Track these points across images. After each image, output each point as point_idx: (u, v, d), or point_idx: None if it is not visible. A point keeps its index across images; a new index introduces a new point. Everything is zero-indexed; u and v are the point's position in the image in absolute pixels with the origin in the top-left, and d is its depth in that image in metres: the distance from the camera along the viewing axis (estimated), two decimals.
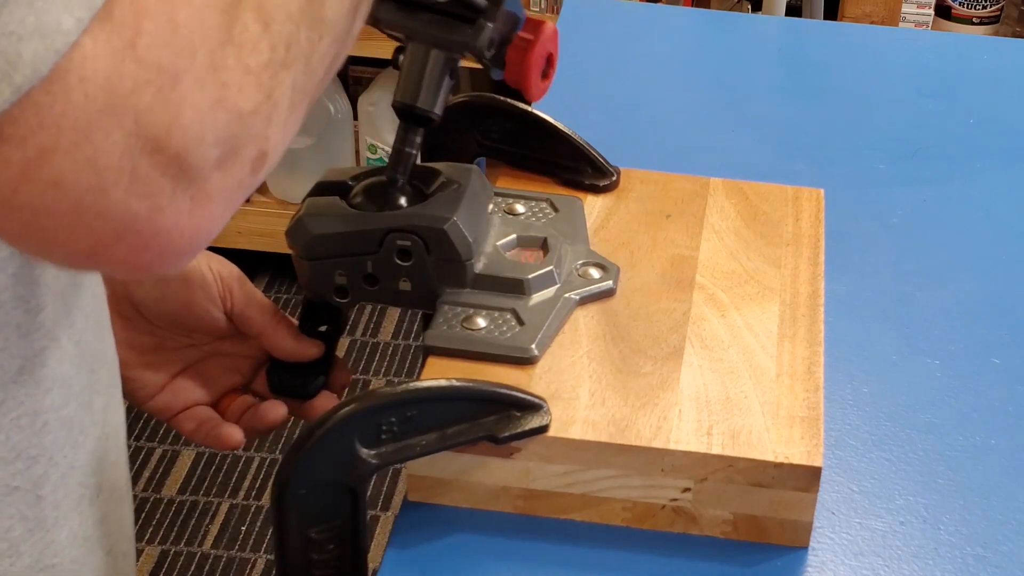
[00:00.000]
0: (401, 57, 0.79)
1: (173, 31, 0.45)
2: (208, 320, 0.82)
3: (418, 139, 0.81)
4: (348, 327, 1.99)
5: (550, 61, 0.83)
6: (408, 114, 0.79)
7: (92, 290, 0.67)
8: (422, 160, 0.83)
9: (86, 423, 0.65)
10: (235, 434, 0.83)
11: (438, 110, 0.79)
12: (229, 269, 0.82)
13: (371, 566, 0.76)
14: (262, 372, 0.86)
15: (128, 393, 0.82)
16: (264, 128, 0.50)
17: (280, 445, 2.20)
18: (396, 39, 0.79)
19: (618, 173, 0.96)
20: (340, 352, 0.87)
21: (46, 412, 0.61)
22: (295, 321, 0.84)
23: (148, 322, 0.82)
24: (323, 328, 0.84)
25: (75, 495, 0.64)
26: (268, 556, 2.01)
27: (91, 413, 0.66)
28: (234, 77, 0.47)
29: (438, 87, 0.79)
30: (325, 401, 0.84)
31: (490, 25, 0.77)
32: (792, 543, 0.76)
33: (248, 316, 0.82)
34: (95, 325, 0.66)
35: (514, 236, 0.86)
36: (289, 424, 1.67)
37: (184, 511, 2.08)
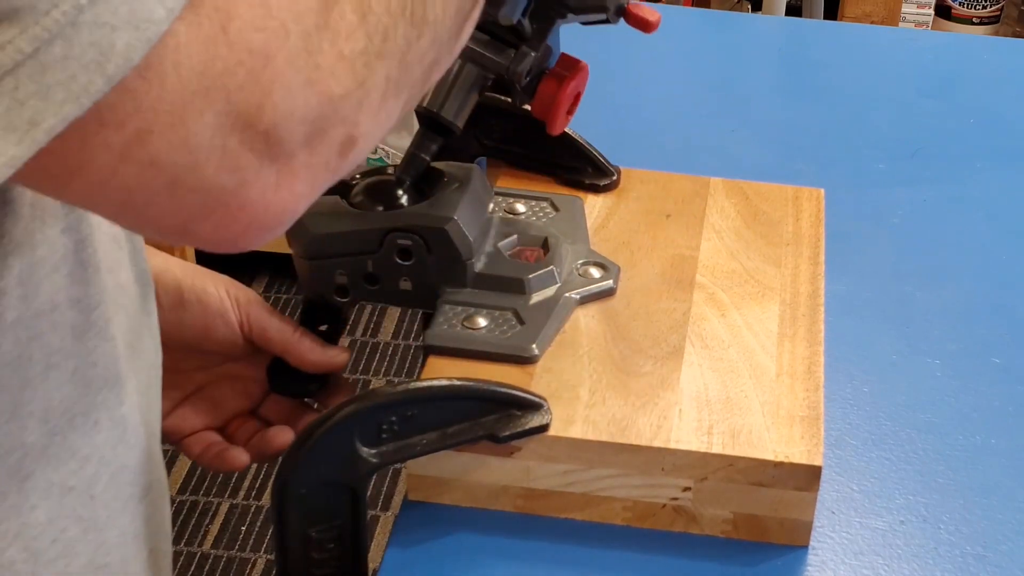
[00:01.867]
0: None
1: (266, 14, 0.46)
2: (226, 344, 0.82)
3: (434, 147, 0.81)
4: (348, 327, 1.98)
5: (577, 98, 0.85)
6: (431, 122, 0.80)
7: (141, 291, 0.67)
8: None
9: (136, 422, 0.65)
10: (241, 457, 0.83)
11: (460, 122, 0.80)
12: (246, 294, 0.83)
13: (371, 566, 0.76)
14: (270, 397, 0.85)
15: None
16: (354, 113, 0.51)
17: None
18: None
19: (618, 173, 0.96)
20: None
21: (98, 411, 0.62)
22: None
23: (164, 347, 0.82)
24: (323, 328, 0.84)
25: (125, 494, 0.65)
26: (268, 556, 2.01)
27: (140, 413, 0.66)
28: (327, 61, 0.48)
29: (465, 100, 0.80)
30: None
31: (533, 54, 0.78)
32: (792, 542, 0.76)
33: (268, 337, 0.82)
34: (139, 326, 0.67)
35: (515, 236, 0.86)
36: None
37: (184, 511, 2.08)
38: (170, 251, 0.93)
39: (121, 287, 0.64)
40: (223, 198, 0.49)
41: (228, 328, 0.82)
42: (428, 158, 0.82)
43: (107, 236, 0.61)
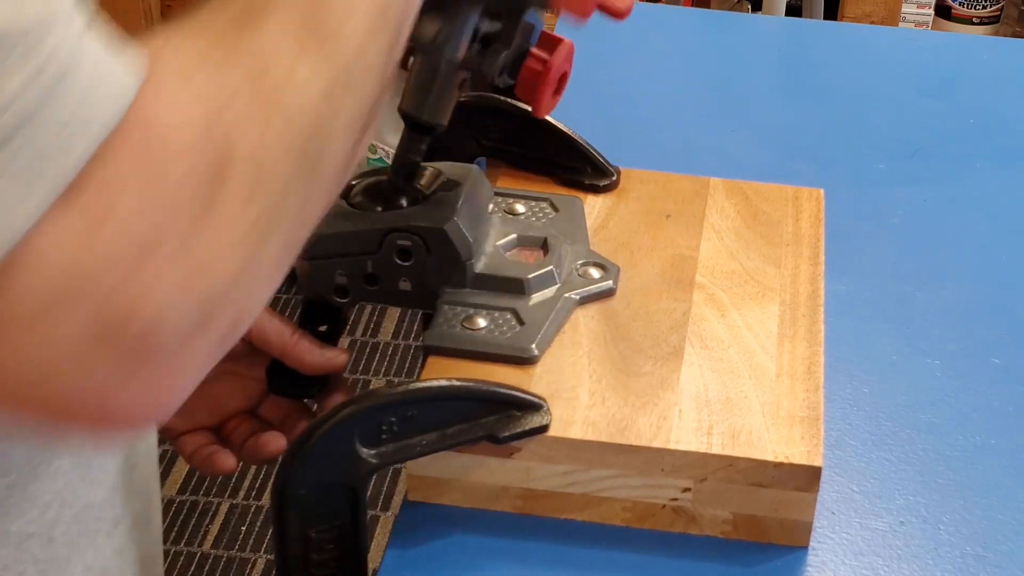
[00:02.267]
0: (411, 60, 0.78)
1: (146, 208, 0.42)
2: None
3: (422, 147, 0.80)
4: (348, 327, 1.98)
5: (563, 78, 0.82)
6: (414, 123, 0.79)
7: None
8: (422, 160, 0.83)
9: (104, 460, 0.64)
10: (228, 461, 0.82)
11: (444, 120, 0.79)
12: None
13: (371, 566, 0.76)
14: (269, 397, 0.85)
15: None
16: (241, 297, 0.47)
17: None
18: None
19: (618, 173, 0.96)
20: None
21: (60, 457, 0.60)
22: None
23: None
24: (323, 328, 0.84)
25: (91, 530, 0.63)
26: (268, 556, 2.00)
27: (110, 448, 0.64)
28: (210, 252, 0.44)
29: (444, 98, 0.79)
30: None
31: (505, 52, 0.77)
32: (792, 543, 0.76)
33: (267, 340, 0.81)
34: None
35: (514, 236, 0.86)
36: None
37: (184, 511, 2.08)
38: None
39: None
40: (86, 408, 0.44)
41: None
42: (418, 158, 0.81)
43: None
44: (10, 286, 0.41)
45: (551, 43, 0.80)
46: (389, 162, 0.82)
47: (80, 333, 0.42)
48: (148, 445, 0.70)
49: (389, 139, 2.17)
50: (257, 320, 0.79)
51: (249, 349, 0.82)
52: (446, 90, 0.78)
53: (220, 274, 0.45)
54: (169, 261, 0.43)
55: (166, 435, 0.84)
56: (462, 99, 0.94)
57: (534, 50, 0.79)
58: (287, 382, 0.82)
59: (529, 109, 0.94)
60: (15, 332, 0.41)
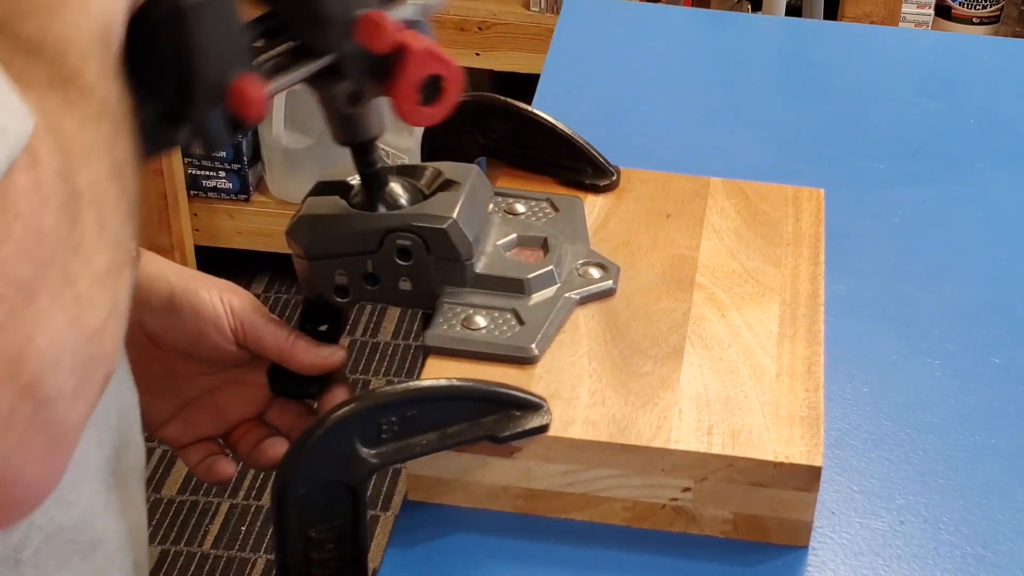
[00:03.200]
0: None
1: (37, 242, 0.40)
2: (219, 352, 0.80)
3: (374, 155, 0.79)
4: (348, 327, 1.98)
5: (438, 84, 0.73)
6: (352, 146, 0.78)
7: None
8: (422, 160, 0.83)
9: (78, 481, 0.61)
10: (227, 468, 0.82)
11: (370, 134, 0.78)
12: (241, 300, 0.80)
13: (371, 566, 0.76)
14: (276, 402, 0.84)
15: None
16: (113, 344, 0.44)
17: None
18: None
19: (618, 173, 0.96)
20: None
21: None
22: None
23: (159, 350, 0.80)
24: (324, 328, 0.84)
25: (63, 553, 0.61)
26: (268, 556, 2.00)
27: (85, 469, 0.62)
28: (85, 288, 0.42)
29: (346, 119, 0.77)
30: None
31: (344, 84, 0.73)
32: (792, 543, 0.76)
33: (264, 346, 0.80)
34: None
35: (514, 236, 0.86)
36: None
37: (184, 511, 2.08)
38: (168, 255, 0.93)
39: None
40: None
41: (221, 335, 0.79)
42: (382, 166, 0.80)
43: None
44: None
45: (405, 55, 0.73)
46: (390, 162, 0.82)
47: None
48: (132, 461, 0.69)
49: (390, 139, 2.17)
50: (254, 325, 0.79)
51: (250, 356, 0.81)
52: (338, 112, 0.76)
53: (95, 316, 0.43)
54: (53, 300, 0.41)
55: (173, 444, 0.84)
56: (462, 98, 0.94)
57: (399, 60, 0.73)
58: (288, 383, 0.82)
59: (530, 109, 0.94)
60: None
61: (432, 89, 0.73)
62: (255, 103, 0.65)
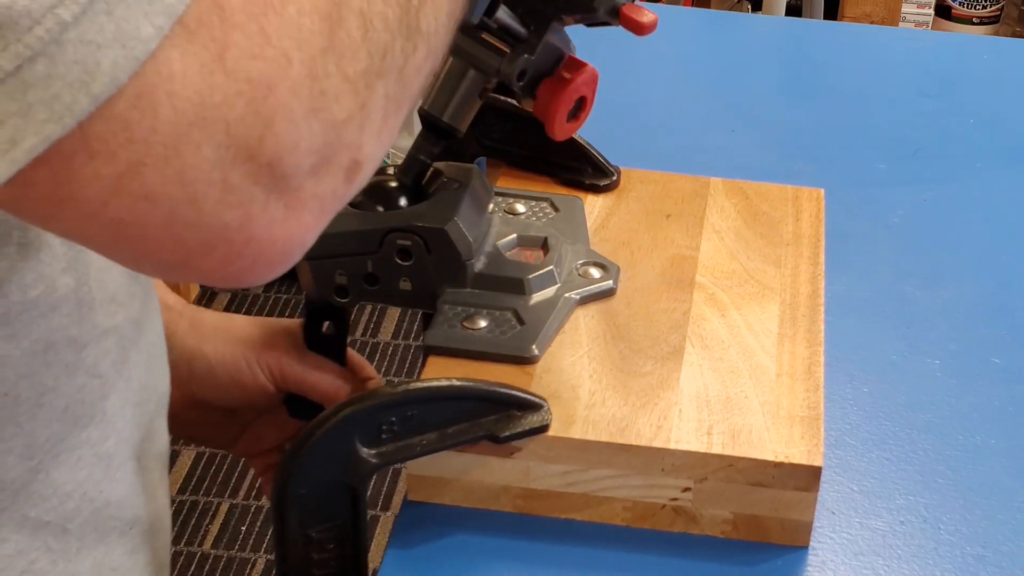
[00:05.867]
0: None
1: (264, 42, 0.44)
2: (268, 399, 0.85)
3: (436, 150, 0.81)
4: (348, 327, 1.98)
5: (582, 104, 0.83)
6: (432, 124, 0.80)
7: (151, 326, 0.67)
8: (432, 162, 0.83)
9: (124, 456, 0.65)
10: None
11: (462, 126, 0.80)
12: (275, 353, 0.84)
13: (371, 566, 0.76)
14: None
15: (210, 439, 0.88)
16: (358, 137, 0.49)
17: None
18: None
19: (618, 173, 0.96)
20: None
21: (82, 447, 0.61)
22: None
23: (214, 406, 0.86)
24: (328, 326, 0.84)
25: (105, 528, 0.64)
26: (268, 556, 2.01)
27: (130, 446, 0.65)
28: (332, 85, 0.47)
29: (466, 103, 0.80)
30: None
31: (525, 56, 0.78)
32: (792, 543, 0.76)
33: (304, 388, 0.85)
34: (148, 359, 0.67)
35: (514, 236, 0.86)
36: None
37: (184, 511, 2.08)
38: (175, 287, 0.96)
39: (135, 323, 0.64)
40: (225, 234, 0.47)
41: (265, 395, 0.84)
42: (429, 161, 0.82)
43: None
44: (144, 121, 0.43)
45: (573, 67, 0.81)
46: (390, 162, 0.82)
47: (217, 157, 0.44)
48: (160, 448, 0.71)
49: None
50: (295, 374, 0.84)
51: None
52: (471, 95, 0.79)
53: (338, 111, 0.47)
54: (292, 94, 0.45)
55: (245, 455, 0.90)
56: None
57: (557, 71, 0.81)
58: (305, 406, 0.85)
59: (530, 109, 0.94)
60: (159, 158, 0.43)
61: (578, 106, 0.82)
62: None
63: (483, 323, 0.80)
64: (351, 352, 0.87)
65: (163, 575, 0.72)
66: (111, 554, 0.65)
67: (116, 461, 0.64)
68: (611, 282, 0.85)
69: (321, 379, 0.83)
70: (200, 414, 0.85)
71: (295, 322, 0.86)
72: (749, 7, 2.38)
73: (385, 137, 0.51)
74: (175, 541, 2.03)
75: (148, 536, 0.68)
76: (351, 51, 0.47)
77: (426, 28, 0.52)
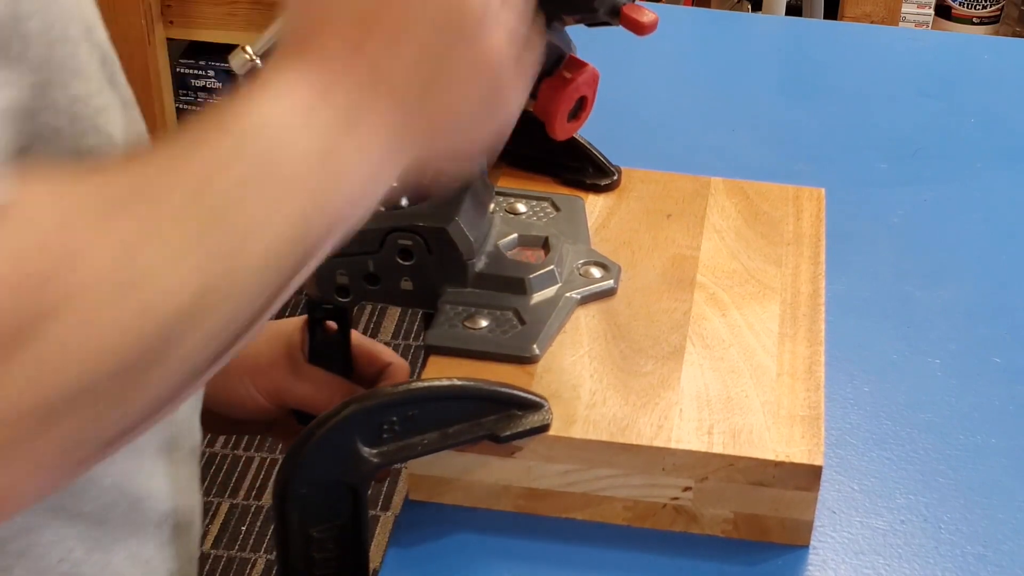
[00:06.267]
0: None
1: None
2: (268, 414, 0.87)
3: None
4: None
5: (583, 104, 0.83)
6: None
7: None
8: None
9: (158, 450, 0.65)
10: None
11: None
12: (268, 377, 0.85)
13: (372, 566, 0.76)
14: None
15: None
16: None
17: (281, 445, 2.19)
18: None
19: (619, 172, 0.96)
20: None
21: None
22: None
23: (222, 418, 0.88)
24: (331, 325, 0.85)
25: (140, 521, 0.65)
26: (268, 556, 2.01)
27: (164, 441, 0.66)
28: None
29: None
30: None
31: None
32: (793, 542, 0.76)
33: (307, 408, 0.86)
34: None
35: (515, 235, 0.86)
36: None
37: None
38: None
39: None
40: None
41: (267, 412, 0.86)
42: None
43: None
44: None
45: (574, 67, 0.81)
46: None
47: None
48: (193, 443, 0.72)
49: None
50: (292, 394, 0.85)
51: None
52: None
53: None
54: None
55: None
56: None
57: (558, 71, 0.81)
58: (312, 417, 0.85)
59: (530, 109, 0.94)
60: None
61: (578, 106, 0.82)
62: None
63: (484, 323, 0.80)
64: (364, 339, 0.87)
65: (193, 567, 0.73)
66: (145, 546, 0.66)
67: (146, 453, 0.64)
68: (612, 282, 0.85)
69: (318, 399, 0.84)
70: (209, 424, 0.85)
71: (296, 328, 0.86)
72: (749, 7, 2.38)
73: (50, 482, 0.46)
74: None
75: (180, 529, 0.69)
76: (29, 373, 0.42)
77: (174, 372, 0.48)
